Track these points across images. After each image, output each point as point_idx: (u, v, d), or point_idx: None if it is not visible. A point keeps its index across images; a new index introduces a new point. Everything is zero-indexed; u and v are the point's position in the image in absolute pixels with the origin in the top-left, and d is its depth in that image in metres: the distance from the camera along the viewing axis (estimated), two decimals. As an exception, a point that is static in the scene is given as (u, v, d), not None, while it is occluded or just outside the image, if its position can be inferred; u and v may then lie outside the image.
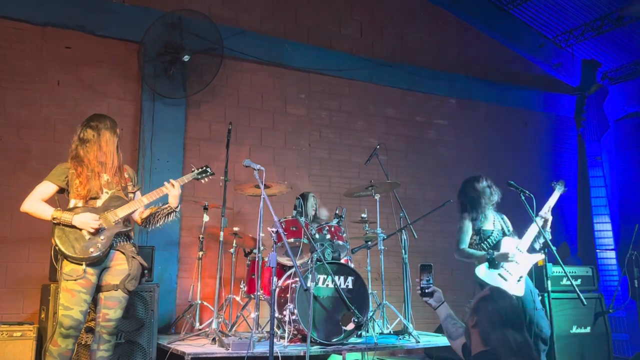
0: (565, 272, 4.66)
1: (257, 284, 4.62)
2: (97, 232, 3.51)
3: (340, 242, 5.05)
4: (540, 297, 4.77)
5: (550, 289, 4.26)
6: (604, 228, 8.18)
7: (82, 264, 3.44)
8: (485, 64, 8.33)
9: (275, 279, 3.66)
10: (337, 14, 7.36)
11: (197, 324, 5.22)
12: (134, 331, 4.41)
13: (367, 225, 5.57)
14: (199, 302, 5.31)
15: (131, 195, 3.78)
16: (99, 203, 3.61)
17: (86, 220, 3.48)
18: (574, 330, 5.53)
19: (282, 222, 4.92)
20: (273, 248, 4.31)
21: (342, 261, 5.06)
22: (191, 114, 6.25)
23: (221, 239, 5.06)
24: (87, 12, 5.82)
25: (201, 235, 5.44)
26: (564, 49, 8.81)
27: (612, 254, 8.01)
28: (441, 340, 5.16)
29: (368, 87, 7.36)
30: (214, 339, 4.56)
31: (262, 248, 4.74)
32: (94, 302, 3.65)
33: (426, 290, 3.05)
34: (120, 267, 3.61)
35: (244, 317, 5.18)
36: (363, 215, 5.58)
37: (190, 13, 5.92)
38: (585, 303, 4.37)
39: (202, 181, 4.03)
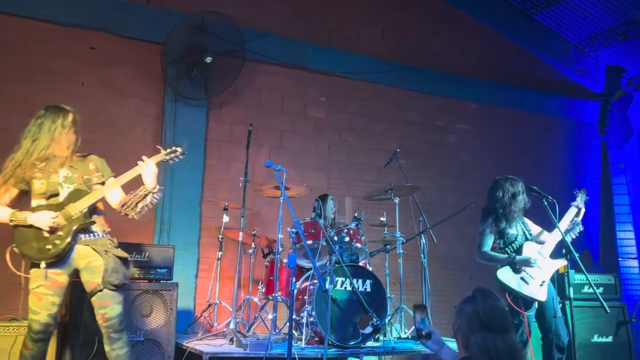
0: (588, 280, 4.59)
1: (276, 285, 4.62)
2: (57, 228, 3.39)
3: (359, 245, 5.03)
4: (560, 305, 4.71)
5: (572, 296, 4.20)
6: (626, 236, 8.04)
7: (40, 263, 3.35)
8: (508, 69, 8.26)
9: (294, 279, 3.65)
10: (359, 17, 7.36)
11: (215, 323, 5.24)
12: (153, 329, 4.44)
13: (386, 228, 5.55)
14: (217, 302, 5.33)
15: (97, 187, 3.58)
16: (60, 199, 3.47)
17: (42, 218, 3.36)
18: (595, 339, 5.44)
19: (301, 223, 4.91)
20: (292, 249, 4.30)
21: (361, 264, 5.04)
22: (212, 115, 6.29)
23: (240, 239, 5.08)
24: (111, 13, 5.90)
25: (220, 236, 5.46)
26: (588, 55, 8.71)
27: (635, 263, 7.88)
28: (459, 346, 5.11)
29: (389, 90, 7.34)
30: (231, 339, 4.56)
31: (281, 249, 4.74)
32: (85, 306, 3.52)
33: (422, 332, 2.75)
34: (95, 263, 3.46)
35: (262, 318, 5.18)
36: (382, 218, 5.56)
37: (213, 15, 5.96)
38: (609, 311, 4.29)
39: (170, 162, 3.60)
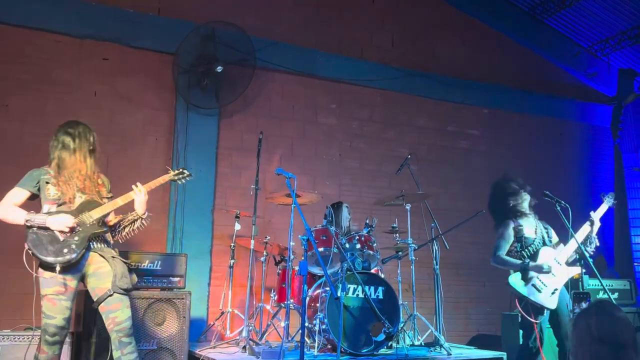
0: (602, 285, 4.56)
1: (288, 293, 4.62)
2: (71, 233, 3.46)
3: (371, 252, 5.03)
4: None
5: (586, 302, 4.16)
6: (642, 241, 7.97)
7: (55, 267, 3.38)
8: (519, 74, 8.23)
9: (305, 287, 3.66)
10: (369, 24, 7.38)
11: (228, 331, 5.25)
12: (166, 338, 4.46)
13: (397, 235, 5.54)
14: (230, 310, 5.35)
15: (105, 200, 3.71)
16: (73, 207, 3.56)
17: (61, 220, 3.43)
18: (611, 345, 5.38)
19: (312, 231, 4.92)
20: (304, 256, 4.30)
21: (373, 271, 5.03)
22: (224, 123, 6.33)
23: (252, 247, 5.10)
24: (123, 24, 5.95)
25: (232, 244, 5.48)
26: (600, 58, 8.66)
27: (651, 267, 7.80)
28: (473, 353, 5.08)
29: (399, 96, 7.35)
30: (244, 347, 4.57)
31: (292, 257, 4.75)
32: (98, 315, 3.57)
33: None
34: (103, 269, 3.54)
35: (274, 326, 5.19)
36: (394, 225, 5.55)
37: (224, 25, 6.01)
38: (624, 317, 4.24)
39: (179, 182, 3.94)
